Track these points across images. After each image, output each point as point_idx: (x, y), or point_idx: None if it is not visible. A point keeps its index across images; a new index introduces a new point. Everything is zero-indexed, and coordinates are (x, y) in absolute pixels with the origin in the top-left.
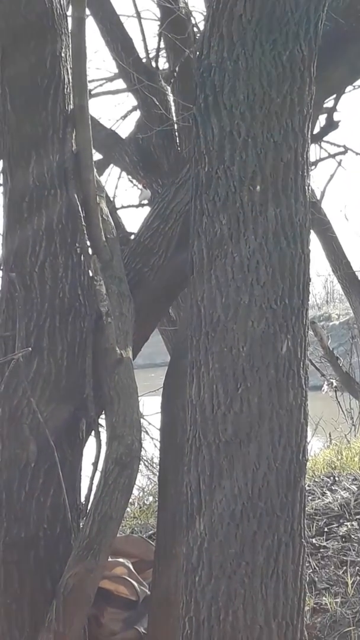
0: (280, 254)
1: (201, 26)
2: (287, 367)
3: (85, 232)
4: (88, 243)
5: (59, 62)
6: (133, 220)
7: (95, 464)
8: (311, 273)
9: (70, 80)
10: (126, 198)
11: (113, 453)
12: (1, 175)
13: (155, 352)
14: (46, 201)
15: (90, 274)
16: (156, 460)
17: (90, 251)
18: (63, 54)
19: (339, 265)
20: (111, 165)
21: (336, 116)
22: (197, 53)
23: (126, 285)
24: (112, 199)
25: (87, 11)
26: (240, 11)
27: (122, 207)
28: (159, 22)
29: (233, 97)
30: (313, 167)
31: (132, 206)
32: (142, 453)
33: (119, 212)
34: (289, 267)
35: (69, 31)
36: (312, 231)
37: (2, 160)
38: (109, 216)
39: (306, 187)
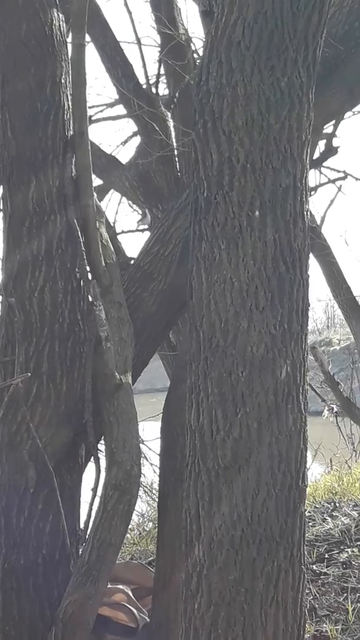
0: (279, 279)
1: (201, 52)
2: (286, 392)
3: (84, 257)
4: (88, 268)
5: (59, 88)
6: (133, 245)
7: (94, 490)
8: (312, 298)
9: (70, 106)
10: (126, 223)
11: (112, 479)
12: (1, 200)
13: (156, 377)
14: (46, 226)
15: (90, 299)
16: (156, 486)
17: (89, 276)
18: (63, 80)
19: (339, 291)
20: (111, 190)
21: (335, 142)
22: (196, 79)
23: (126, 310)
24: (112, 224)
25: (88, 37)
26: (239, 38)
27: (123, 232)
28: (159, 49)
29: (232, 123)
30: (313, 192)
31: (132, 231)
32: (142, 479)
33: (119, 237)
34: (288, 292)
35: (69, 57)
36: (312, 256)
37: (1, 185)
38: (109, 241)
39: (305, 213)
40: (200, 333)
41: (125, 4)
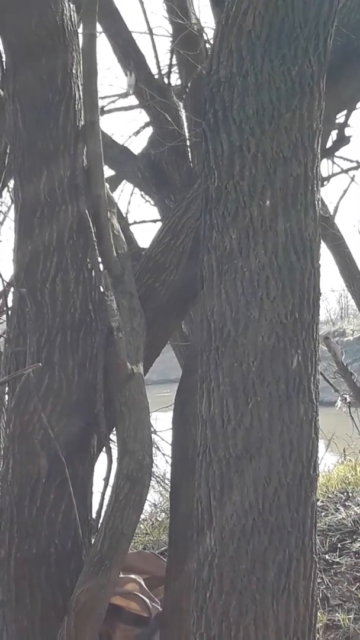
0: (290, 268)
1: (213, 38)
2: (297, 381)
3: (96, 247)
4: (99, 258)
5: (70, 78)
6: (145, 235)
7: (106, 480)
8: (325, 288)
9: (82, 96)
10: (139, 214)
11: (124, 469)
12: (12, 190)
13: (169, 367)
14: (57, 216)
15: (102, 290)
16: (168, 476)
17: (101, 266)
18: (74, 71)
19: (352, 281)
20: (124, 181)
21: (348, 131)
22: (206, 68)
23: (137, 300)
24: (124, 215)
25: (99, 28)
26: (250, 27)
27: (135, 222)
28: (171, 39)
29: (242, 113)
30: (326, 182)
31: (145, 222)
32: (154, 469)
33: (131, 227)
34: (299, 281)
35: (81, 48)
36: (325, 246)
37: (13, 176)
38: (121, 232)
39: (316, 202)
40: (211, 323)
41: None
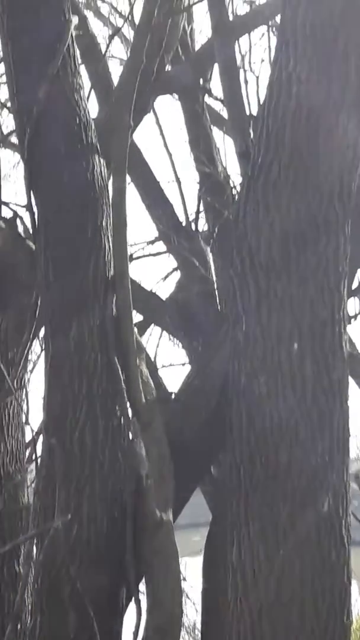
0: (319, 410)
1: (239, 189)
2: (328, 525)
3: (125, 395)
4: (128, 405)
5: (100, 230)
6: (174, 379)
7: (135, 633)
8: (355, 425)
9: (111, 247)
10: (168, 357)
11: (153, 620)
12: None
13: (199, 511)
14: (87, 365)
15: (130, 437)
16: (198, 626)
17: (130, 414)
18: (104, 223)
19: None
20: (152, 325)
21: None
22: (234, 217)
23: (166, 446)
24: (153, 359)
25: (128, 178)
26: (275, 177)
27: (164, 366)
28: (198, 186)
29: (269, 259)
30: (353, 319)
31: (173, 365)
32: (184, 619)
33: (160, 371)
34: (328, 423)
35: (110, 200)
36: (354, 383)
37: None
38: (149, 377)
39: (343, 344)
40: (240, 468)
41: (165, 145)
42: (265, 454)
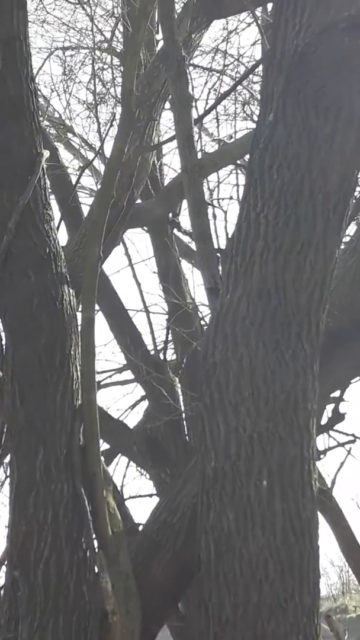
0: (289, 550)
1: (208, 319)
2: None
3: (91, 526)
4: (94, 538)
5: (68, 359)
6: (141, 509)
7: None
8: (325, 562)
9: (79, 376)
10: (134, 487)
11: None
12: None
13: None
14: (53, 495)
15: (96, 570)
16: None
17: (96, 546)
18: (73, 352)
19: (353, 556)
20: (119, 454)
21: (343, 406)
22: (203, 352)
23: (132, 581)
24: (119, 490)
25: (97, 307)
26: (244, 313)
27: (131, 497)
28: (166, 316)
29: (238, 395)
30: (322, 455)
31: (141, 496)
32: None
33: (127, 502)
34: (299, 563)
35: (79, 329)
36: (323, 519)
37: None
38: (116, 509)
39: (313, 482)
40: (209, 607)
41: (134, 276)
42: (234, 593)
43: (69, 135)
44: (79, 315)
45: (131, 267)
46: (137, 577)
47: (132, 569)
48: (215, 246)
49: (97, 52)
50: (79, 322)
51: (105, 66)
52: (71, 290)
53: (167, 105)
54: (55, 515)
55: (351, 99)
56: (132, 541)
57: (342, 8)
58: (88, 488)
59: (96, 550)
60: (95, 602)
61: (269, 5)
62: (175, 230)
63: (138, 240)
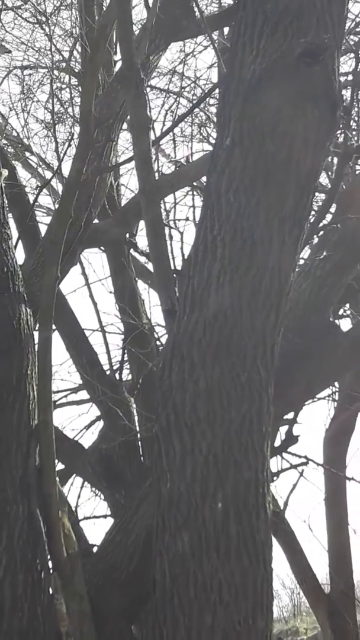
0: (243, 572)
1: (164, 339)
2: None
3: (46, 547)
4: (49, 559)
5: (24, 379)
6: (96, 529)
7: None
8: (277, 585)
9: (36, 396)
10: (89, 508)
11: None
12: None
13: None
14: (7, 517)
15: (51, 592)
16: None
17: (51, 568)
18: (29, 372)
19: (304, 578)
20: (74, 474)
21: (297, 428)
22: (159, 373)
23: (87, 603)
24: (74, 510)
25: (53, 326)
26: (200, 335)
27: (85, 518)
28: (122, 336)
29: (194, 416)
30: (275, 477)
31: (96, 517)
32: None
33: (81, 523)
34: (252, 586)
35: (36, 349)
36: (275, 541)
37: None
38: (71, 530)
39: (267, 504)
40: (163, 629)
41: (91, 296)
42: (188, 615)
43: (27, 154)
44: (36, 334)
45: (88, 287)
46: (92, 598)
47: (87, 590)
48: (172, 267)
49: (56, 72)
50: (36, 341)
51: (64, 86)
52: (28, 310)
53: (125, 126)
54: (10, 536)
55: (306, 125)
56: (86, 562)
57: (298, 34)
58: (43, 509)
59: (51, 571)
60: (50, 624)
61: (226, 29)
62: (132, 251)
63: (95, 260)
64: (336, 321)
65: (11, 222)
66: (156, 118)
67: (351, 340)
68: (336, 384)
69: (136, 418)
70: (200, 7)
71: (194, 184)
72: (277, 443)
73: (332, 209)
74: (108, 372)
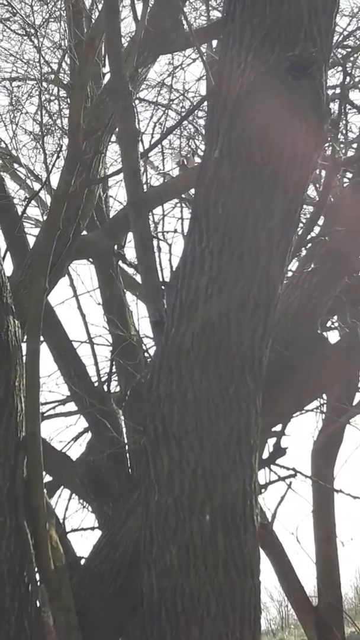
0: (231, 585)
1: (152, 351)
2: None
3: (33, 560)
4: (36, 571)
5: (12, 391)
6: (83, 541)
7: None
8: (264, 597)
9: (23, 408)
10: (77, 520)
11: None
12: None
13: None
14: None
15: (38, 604)
16: None
17: (38, 580)
18: (17, 383)
19: (292, 591)
20: (61, 486)
21: (285, 440)
22: (147, 385)
23: (75, 616)
24: (62, 522)
25: (41, 338)
26: (188, 347)
27: (73, 530)
28: (111, 348)
29: (182, 428)
30: (263, 490)
31: (83, 529)
32: None
33: (69, 535)
34: (240, 599)
35: (24, 361)
36: (263, 554)
37: None
38: (59, 542)
39: (255, 517)
40: None
41: (79, 307)
42: (176, 628)
43: (16, 165)
44: (23, 346)
45: (76, 299)
46: (79, 611)
47: (75, 603)
48: (161, 279)
49: (44, 84)
50: (24, 353)
51: (52, 97)
52: (16, 321)
53: (114, 138)
54: None
55: (294, 138)
56: (74, 575)
57: (286, 48)
58: (31, 521)
59: (38, 584)
60: (37, 637)
61: (215, 42)
62: (120, 262)
63: (83, 271)
64: (324, 333)
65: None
66: (145, 130)
67: (339, 353)
68: (324, 396)
69: (124, 430)
70: (189, 20)
71: (183, 196)
72: (265, 455)
73: (320, 222)
74: (96, 384)
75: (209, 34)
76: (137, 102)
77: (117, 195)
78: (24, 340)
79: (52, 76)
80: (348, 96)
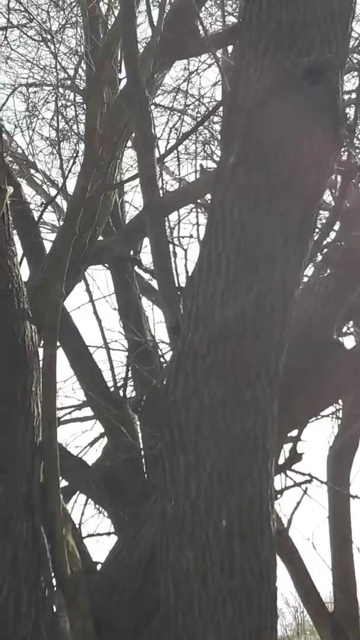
0: (247, 590)
1: (168, 356)
2: None
3: (50, 565)
4: (53, 576)
5: (29, 396)
6: (100, 547)
7: None
8: (281, 603)
9: (40, 413)
10: (93, 525)
11: None
12: None
13: None
14: (12, 534)
15: (55, 610)
16: None
17: (54, 585)
18: (34, 388)
19: (309, 597)
20: (77, 492)
21: (301, 446)
22: (163, 390)
23: (91, 621)
24: (78, 527)
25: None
26: (205, 352)
27: (89, 535)
28: (126, 353)
29: (198, 433)
30: (279, 495)
31: (100, 534)
32: None
33: (85, 540)
34: (257, 604)
35: (41, 366)
36: (279, 559)
37: None
38: (75, 548)
39: (271, 522)
40: None
41: (95, 312)
42: (192, 633)
43: (32, 171)
44: (40, 351)
45: (92, 304)
46: (96, 616)
47: (91, 608)
48: (177, 284)
49: (61, 89)
50: (41, 358)
51: (69, 103)
52: (33, 327)
53: (130, 143)
54: (14, 554)
55: (310, 143)
56: (90, 580)
57: (302, 53)
58: (47, 526)
59: (55, 589)
60: None
61: (230, 48)
62: (136, 268)
63: (99, 277)
64: (340, 339)
65: (16, 239)
66: (160, 135)
67: (355, 358)
68: (340, 401)
69: (140, 435)
70: (205, 25)
71: (198, 201)
72: (281, 460)
73: (336, 227)
74: (112, 389)
75: (224, 39)
76: (153, 107)
77: (133, 201)
78: (41, 345)
79: (69, 82)
80: None
